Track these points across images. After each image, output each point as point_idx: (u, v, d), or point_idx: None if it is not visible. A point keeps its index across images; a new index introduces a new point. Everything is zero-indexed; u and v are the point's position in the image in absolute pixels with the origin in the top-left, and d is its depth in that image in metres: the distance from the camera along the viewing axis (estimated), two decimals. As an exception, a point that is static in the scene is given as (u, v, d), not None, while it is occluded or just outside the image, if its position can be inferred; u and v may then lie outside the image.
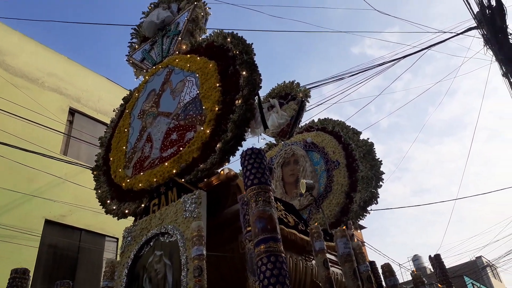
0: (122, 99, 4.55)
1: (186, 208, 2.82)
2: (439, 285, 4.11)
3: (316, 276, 3.40)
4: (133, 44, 4.89)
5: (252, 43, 3.43)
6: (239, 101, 3.06)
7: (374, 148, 5.06)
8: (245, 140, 3.06)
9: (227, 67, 3.35)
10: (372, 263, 4.47)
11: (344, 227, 2.36)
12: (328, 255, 3.03)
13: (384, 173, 4.87)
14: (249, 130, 3.24)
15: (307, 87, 9.17)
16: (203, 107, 3.29)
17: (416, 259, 28.14)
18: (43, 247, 8.48)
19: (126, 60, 4.77)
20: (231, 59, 3.35)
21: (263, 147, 6.46)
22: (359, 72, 9.31)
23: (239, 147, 3.07)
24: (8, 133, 8.38)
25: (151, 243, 3.00)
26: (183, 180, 3.15)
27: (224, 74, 3.34)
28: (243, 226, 2.28)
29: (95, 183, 4.16)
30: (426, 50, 9.25)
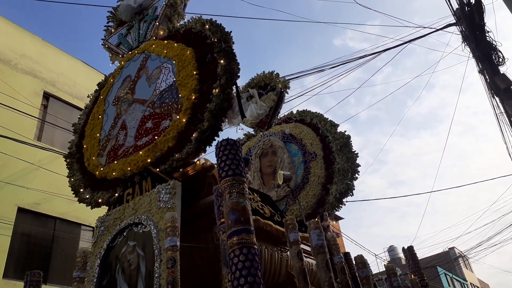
0: (97, 85, 4.41)
1: (160, 198, 2.77)
2: (412, 275, 4.20)
3: (291, 267, 3.41)
4: (109, 28, 4.74)
5: (231, 31, 3.37)
6: (216, 90, 3.00)
7: (351, 141, 5.10)
8: (221, 130, 3.02)
9: (205, 55, 3.28)
10: (347, 254, 4.53)
11: (317, 219, 2.35)
12: (303, 246, 3.05)
13: (360, 166, 4.93)
14: (226, 120, 3.19)
15: (288, 78, 9.15)
16: (180, 95, 3.22)
17: (392, 249, 28.90)
18: (16, 235, 8.24)
19: (102, 44, 4.62)
20: (209, 46, 3.29)
21: (241, 138, 6.43)
22: (340, 64, 9.34)
23: (215, 137, 3.02)
24: (-22, 117, 8.09)
25: (125, 233, 2.94)
26: (157, 169, 3.09)
27: (201, 62, 3.27)
28: (217, 218, 2.25)
29: (68, 170, 4.05)
30: (406, 44, 9.37)
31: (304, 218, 4.50)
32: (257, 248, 3.42)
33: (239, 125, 6.14)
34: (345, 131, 5.27)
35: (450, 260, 28.69)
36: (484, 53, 7.82)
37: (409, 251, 4.81)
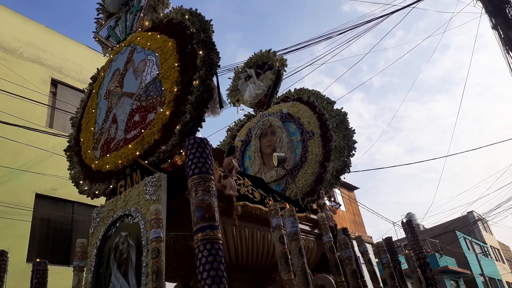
0: (91, 78, 4.50)
1: (147, 191, 2.89)
2: (406, 251, 4.27)
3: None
4: (99, 20, 4.77)
5: (211, 20, 3.36)
6: (196, 82, 3.05)
7: (347, 118, 5.08)
8: (204, 121, 3.08)
9: (186, 46, 3.30)
10: (345, 230, 4.62)
11: (292, 208, 2.43)
12: (301, 226, 3.13)
13: (357, 142, 4.93)
14: (208, 110, 3.25)
15: (297, 47, 9.06)
16: (163, 88, 3.27)
17: (409, 217, 28.96)
18: (36, 221, 8.62)
19: (93, 37, 4.68)
20: (189, 37, 3.30)
21: (242, 118, 6.48)
22: (347, 30, 9.15)
23: (199, 128, 3.09)
24: (-12, 107, 8.31)
25: (117, 224, 3.09)
26: (146, 162, 3.20)
27: (182, 53, 3.30)
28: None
29: (68, 163, 4.22)
30: (414, 5, 9.07)
31: (300, 199, 4.59)
32: (249, 231, 3.54)
33: (237, 108, 6.20)
34: (342, 108, 5.24)
35: (469, 224, 28.56)
36: (497, 7, 7.52)
37: (408, 225, 4.86)
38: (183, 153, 3.22)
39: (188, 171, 2.02)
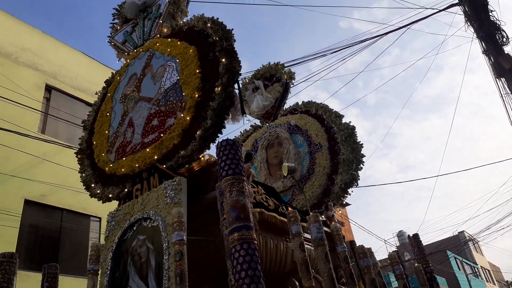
0: (105, 82, 4.52)
1: (167, 194, 2.89)
2: (415, 264, 4.29)
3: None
4: (115, 25, 4.82)
5: (232, 29, 3.43)
6: (219, 89, 3.09)
7: (356, 132, 5.15)
8: (224, 128, 3.11)
9: (207, 53, 3.35)
10: (352, 243, 4.64)
11: (317, 214, 2.45)
12: (309, 236, 3.14)
13: (365, 156, 4.99)
14: (229, 117, 3.28)
15: (293, 63, 9.18)
16: (183, 94, 3.31)
17: (401, 234, 28.98)
18: (24, 227, 8.37)
19: (108, 41, 4.72)
20: (211, 45, 3.36)
21: (248, 129, 6.52)
22: (343, 48, 9.30)
23: (219, 134, 3.12)
24: (-20, 111, 8.16)
25: (134, 228, 3.07)
26: (164, 166, 3.20)
27: (204, 60, 3.35)
28: (220, 214, 2.36)
29: (79, 166, 4.19)
30: (408, 27, 9.26)
31: (309, 209, 4.60)
32: (263, 240, 3.54)
33: (246, 116, 6.25)
34: (350, 122, 5.32)
35: (460, 244, 28.65)
36: (488, 33, 7.71)
37: (415, 239, 4.89)
38: (202, 158, 3.25)
39: (221, 172, 2.04)
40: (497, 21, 7.12)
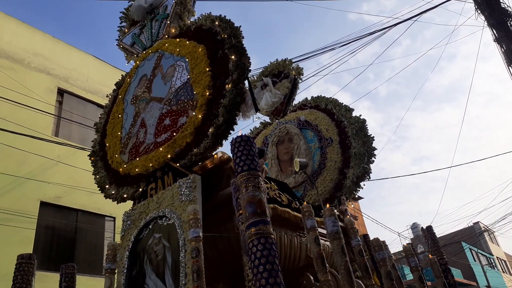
0: (115, 84, 4.57)
1: (182, 192, 2.92)
2: (430, 255, 4.26)
3: (310, 251, 3.54)
4: (122, 28, 4.87)
5: (240, 26, 3.44)
6: (229, 86, 3.10)
7: (366, 125, 5.13)
8: (236, 124, 3.13)
9: (216, 51, 3.37)
10: (366, 237, 4.63)
11: (332, 207, 2.46)
12: (321, 230, 3.15)
13: (376, 149, 4.97)
14: (240, 114, 3.30)
15: (302, 57, 9.16)
16: (194, 92, 3.33)
17: (415, 227, 28.77)
18: (40, 229, 8.57)
19: (117, 44, 4.76)
20: (220, 43, 3.37)
21: (258, 126, 6.53)
22: (353, 41, 9.25)
23: (231, 131, 3.14)
24: (-5, 116, 8.33)
25: (150, 226, 3.11)
26: (178, 164, 3.23)
27: (213, 58, 3.37)
28: (236, 210, 2.38)
29: (93, 168, 4.25)
30: (416, 18, 9.17)
31: (321, 203, 4.60)
32: (277, 235, 3.56)
33: (255, 113, 6.26)
34: (360, 115, 5.30)
35: (475, 235, 28.35)
36: (499, 20, 7.61)
37: (428, 231, 4.86)
38: (215, 155, 3.28)
39: (236, 168, 2.06)
40: (508, 8, 7.01)
